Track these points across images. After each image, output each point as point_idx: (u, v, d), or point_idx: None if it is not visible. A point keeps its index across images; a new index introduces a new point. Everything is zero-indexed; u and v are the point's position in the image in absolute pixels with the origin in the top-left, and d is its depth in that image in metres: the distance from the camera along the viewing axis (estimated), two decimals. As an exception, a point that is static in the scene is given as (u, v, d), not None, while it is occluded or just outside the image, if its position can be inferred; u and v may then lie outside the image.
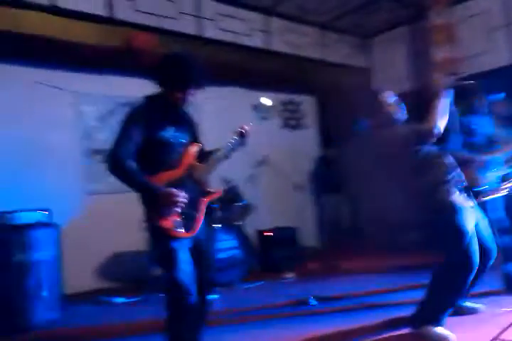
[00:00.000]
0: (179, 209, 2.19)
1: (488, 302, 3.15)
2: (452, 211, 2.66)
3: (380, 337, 2.74)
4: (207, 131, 5.56)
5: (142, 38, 5.25)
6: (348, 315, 3.18)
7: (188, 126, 2.48)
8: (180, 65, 2.30)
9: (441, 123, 2.70)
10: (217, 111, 5.83)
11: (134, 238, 4.93)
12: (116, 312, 3.82)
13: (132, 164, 2.15)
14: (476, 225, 2.77)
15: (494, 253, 2.85)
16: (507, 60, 5.98)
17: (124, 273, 4.68)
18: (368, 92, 6.91)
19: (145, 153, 2.22)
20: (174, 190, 2.16)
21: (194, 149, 2.40)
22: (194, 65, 2.33)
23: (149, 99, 2.35)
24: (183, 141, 2.37)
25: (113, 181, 2.17)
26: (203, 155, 2.46)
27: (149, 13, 5.39)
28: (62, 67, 4.89)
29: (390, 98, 3.03)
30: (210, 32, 5.95)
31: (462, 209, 2.68)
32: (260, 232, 5.08)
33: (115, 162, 2.14)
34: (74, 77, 4.95)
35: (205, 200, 2.38)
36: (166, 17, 5.55)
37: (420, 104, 3.34)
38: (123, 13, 5.20)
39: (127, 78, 5.28)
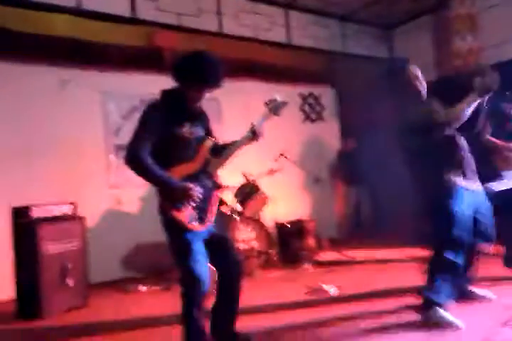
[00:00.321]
0: (194, 203, 2.28)
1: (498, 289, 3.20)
2: (447, 193, 2.76)
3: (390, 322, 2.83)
4: (227, 127, 5.80)
5: (164, 36, 5.42)
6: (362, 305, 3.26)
7: (203, 121, 2.55)
8: (200, 64, 2.35)
9: (462, 116, 2.75)
10: (237, 106, 5.96)
11: (156, 229, 5.26)
12: (139, 300, 4.01)
13: (149, 159, 2.23)
14: (478, 209, 2.85)
15: (491, 238, 2.92)
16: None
17: (146, 263, 4.90)
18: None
19: (161, 147, 2.28)
20: (190, 184, 2.24)
21: (208, 144, 2.47)
22: (213, 65, 2.38)
23: (166, 95, 2.43)
24: (198, 135, 2.45)
25: (133, 175, 2.29)
26: (217, 150, 2.52)
27: (170, 12, 5.55)
28: (89, 67, 5.10)
29: (417, 71, 3.05)
30: (231, 28, 6.08)
31: (460, 191, 2.76)
32: (279, 224, 5.21)
33: (133, 157, 2.21)
34: (100, 76, 5.16)
35: (218, 193, 2.46)
36: (187, 15, 5.70)
37: (444, 94, 3.38)
38: (145, 12, 5.38)
39: (151, 76, 5.44)
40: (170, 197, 2.25)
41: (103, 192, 4.99)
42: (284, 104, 2.57)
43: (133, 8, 5.34)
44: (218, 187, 2.48)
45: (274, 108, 2.54)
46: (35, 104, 4.72)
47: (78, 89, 4.94)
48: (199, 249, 2.32)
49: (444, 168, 2.83)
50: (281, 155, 5.05)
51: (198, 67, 2.35)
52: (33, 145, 4.62)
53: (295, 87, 6.78)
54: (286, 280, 4.24)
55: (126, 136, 5.18)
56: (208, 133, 2.58)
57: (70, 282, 3.74)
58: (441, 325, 2.67)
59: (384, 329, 2.76)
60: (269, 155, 5.34)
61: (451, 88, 3.57)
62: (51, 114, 4.79)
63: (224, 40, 5.94)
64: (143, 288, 4.36)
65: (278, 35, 6.50)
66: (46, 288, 3.58)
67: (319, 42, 6.82)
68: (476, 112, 2.92)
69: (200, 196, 2.30)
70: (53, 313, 3.60)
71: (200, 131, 2.47)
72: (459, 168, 2.85)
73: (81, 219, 3.90)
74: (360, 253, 5.26)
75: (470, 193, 2.82)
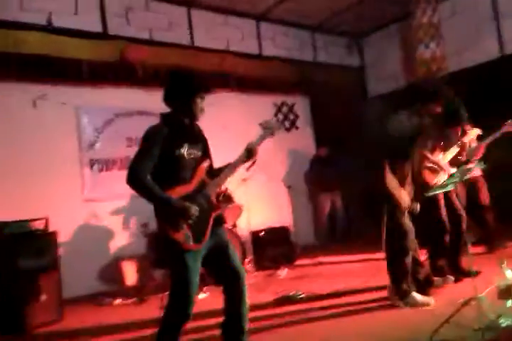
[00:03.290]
0: (191, 222, 2.33)
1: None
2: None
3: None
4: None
5: (135, 50, 5.53)
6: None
7: (201, 142, 2.60)
8: (186, 77, 2.48)
9: None
10: (212, 117, 6.04)
11: (130, 243, 5.37)
12: (113, 313, 4.03)
13: (150, 180, 2.31)
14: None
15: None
16: (494, 54, 6.07)
17: (121, 277, 4.95)
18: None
19: (161, 167, 2.35)
20: (189, 204, 2.31)
21: (205, 165, 2.52)
22: (193, 78, 2.49)
23: (165, 117, 2.51)
24: (196, 156, 2.48)
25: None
26: (213, 171, 2.57)
27: (142, 27, 5.66)
28: (62, 83, 5.17)
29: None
30: (203, 40, 6.21)
31: None
32: (254, 233, 5.32)
33: (136, 178, 2.29)
34: (73, 91, 5.21)
35: (214, 214, 2.48)
36: (158, 29, 5.82)
37: (412, 102, 3.53)
38: (117, 28, 5.48)
39: (124, 89, 5.54)
40: (168, 216, 2.32)
41: (78, 207, 5.03)
42: (276, 123, 2.66)
43: (104, 23, 5.44)
44: (214, 207, 2.49)
45: (270, 128, 2.61)
46: (9, 121, 4.77)
47: (51, 105, 5.00)
48: (196, 271, 2.37)
49: None
50: (253, 164, 5.15)
51: (188, 79, 2.48)
52: (7, 160, 4.65)
53: (269, 97, 6.92)
54: (257, 287, 4.32)
55: (100, 150, 5.35)
56: (206, 154, 2.61)
57: (43, 297, 3.77)
58: (419, 305, 3.07)
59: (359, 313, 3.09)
60: (239, 168, 5.43)
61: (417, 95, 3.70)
62: (24, 129, 4.83)
63: (196, 53, 6.06)
64: (117, 302, 4.41)
65: (250, 47, 6.65)
66: (19, 303, 3.62)
67: (291, 52, 6.99)
68: None
69: (197, 215, 2.34)
70: (27, 328, 3.62)
71: (198, 152, 2.52)
72: None
73: (53, 234, 3.95)
74: (333, 259, 5.37)
75: None
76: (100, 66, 5.39)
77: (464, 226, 3.69)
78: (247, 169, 5.19)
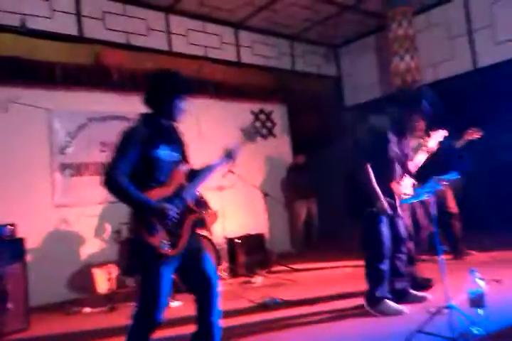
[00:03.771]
0: (168, 226, 2.27)
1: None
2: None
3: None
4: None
5: (111, 54, 5.46)
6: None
7: (179, 144, 2.54)
8: (162, 81, 2.41)
9: None
10: (188, 123, 6.00)
11: (101, 250, 5.24)
12: (82, 322, 3.93)
13: (127, 182, 2.23)
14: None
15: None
16: (469, 66, 6.23)
17: (91, 284, 4.84)
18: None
19: (138, 170, 2.29)
20: (168, 205, 2.25)
21: (184, 168, 2.47)
22: (175, 79, 2.43)
23: (144, 118, 2.44)
24: (175, 159, 2.43)
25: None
26: (191, 174, 2.52)
27: (118, 31, 5.60)
28: (34, 86, 5.06)
29: None
30: (180, 46, 6.19)
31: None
32: (229, 239, 5.28)
33: (112, 180, 2.23)
34: (46, 94, 5.12)
35: (191, 218, 2.42)
36: (136, 33, 5.77)
37: (388, 112, 3.57)
38: (93, 31, 5.41)
39: (98, 94, 5.45)
40: (145, 219, 2.25)
41: (48, 212, 4.89)
42: (258, 131, 2.69)
43: (80, 27, 5.37)
44: (192, 212, 2.44)
45: (249, 134, 2.62)
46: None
47: (22, 108, 4.87)
48: (168, 278, 2.31)
49: None
50: (230, 171, 5.14)
51: (170, 79, 2.42)
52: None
53: (246, 104, 6.92)
54: (232, 294, 4.27)
55: (73, 155, 5.23)
56: (184, 156, 2.55)
57: (10, 305, 3.63)
58: (392, 314, 3.07)
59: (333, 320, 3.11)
60: (217, 172, 5.40)
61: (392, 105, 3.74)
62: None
63: (173, 58, 6.03)
64: (87, 310, 4.29)
65: (228, 54, 6.66)
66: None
67: (269, 60, 7.03)
68: None
69: (176, 217, 2.29)
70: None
71: (177, 155, 2.47)
72: None
73: (21, 240, 3.82)
74: (308, 266, 5.36)
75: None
76: (74, 69, 5.29)
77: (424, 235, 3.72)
78: (223, 176, 5.21)
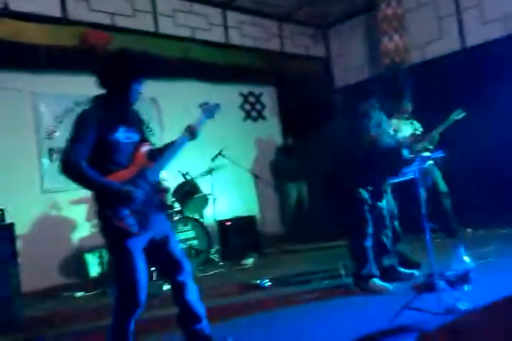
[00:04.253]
0: (134, 208, 2.24)
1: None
2: None
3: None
4: (168, 127, 5.80)
5: (96, 35, 5.35)
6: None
7: (138, 125, 2.51)
8: (118, 63, 2.34)
9: None
10: (177, 106, 5.97)
11: (93, 234, 5.22)
12: (74, 305, 3.97)
13: (86, 165, 2.19)
14: None
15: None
16: (457, 46, 6.21)
17: (83, 269, 4.85)
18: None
19: (97, 153, 2.24)
20: (132, 188, 2.23)
21: (145, 148, 2.45)
22: (131, 60, 2.36)
23: (99, 100, 2.40)
24: (134, 140, 2.42)
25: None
26: (154, 153, 2.50)
27: (104, 12, 5.48)
28: (19, 69, 4.97)
29: None
30: (167, 27, 6.07)
31: None
32: (220, 222, 5.30)
33: (70, 166, 2.18)
34: (31, 77, 5.04)
35: (158, 198, 2.42)
36: (121, 14, 5.64)
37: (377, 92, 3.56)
38: (77, 12, 5.28)
39: (84, 76, 5.33)
40: (110, 201, 2.22)
41: (36, 198, 4.86)
42: (217, 106, 2.67)
43: (64, 8, 5.22)
44: (158, 191, 2.45)
45: (209, 111, 2.63)
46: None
47: (6, 92, 4.78)
48: (140, 257, 2.29)
49: None
50: (219, 154, 5.13)
51: (118, 64, 2.35)
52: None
53: (235, 86, 6.87)
54: (224, 276, 4.32)
55: (60, 139, 5.16)
56: (144, 137, 2.55)
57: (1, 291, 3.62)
58: (378, 291, 3.12)
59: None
60: (208, 154, 5.39)
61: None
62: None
63: (160, 40, 5.91)
64: (79, 294, 4.30)
65: (216, 35, 6.54)
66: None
67: (257, 42, 6.93)
68: None
69: (141, 198, 2.28)
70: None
71: (135, 136, 2.44)
72: None
73: (10, 226, 3.76)
74: (299, 247, 5.42)
75: None
76: (59, 51, 5.15)
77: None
78: (213, 159, 5.17)
